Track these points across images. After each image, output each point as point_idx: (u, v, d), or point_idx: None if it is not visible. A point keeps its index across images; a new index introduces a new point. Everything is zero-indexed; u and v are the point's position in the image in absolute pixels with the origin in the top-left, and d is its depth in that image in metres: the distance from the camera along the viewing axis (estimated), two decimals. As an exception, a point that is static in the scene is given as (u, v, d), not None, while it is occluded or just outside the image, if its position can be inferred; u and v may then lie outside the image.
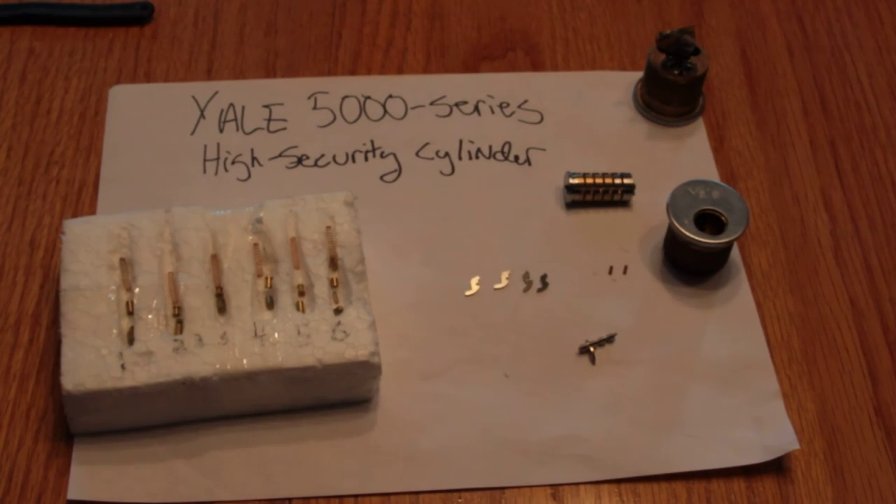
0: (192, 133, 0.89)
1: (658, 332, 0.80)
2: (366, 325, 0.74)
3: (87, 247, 0.76)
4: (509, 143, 0.89)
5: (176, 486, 0.72)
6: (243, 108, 0.90)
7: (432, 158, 0.88)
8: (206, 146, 0.88)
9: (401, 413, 0.76)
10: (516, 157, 0.89)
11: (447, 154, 0.89)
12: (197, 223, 0.77)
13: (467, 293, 0.81)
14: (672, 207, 0.81)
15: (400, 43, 0.95)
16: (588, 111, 0.92)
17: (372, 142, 0.89)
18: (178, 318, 0.74)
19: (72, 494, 0.72)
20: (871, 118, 0.93)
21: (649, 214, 0.86)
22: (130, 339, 0.73)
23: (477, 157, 0.89)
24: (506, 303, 0.81)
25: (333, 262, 0.77)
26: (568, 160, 0.88)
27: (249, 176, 0.87)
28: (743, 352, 0.80)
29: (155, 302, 0.74)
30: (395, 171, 0.88)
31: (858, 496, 0.74)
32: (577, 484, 0.74)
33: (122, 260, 0.76)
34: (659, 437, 0.76)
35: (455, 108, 0.91)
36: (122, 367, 0.71)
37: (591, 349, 0.79)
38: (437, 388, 0.77)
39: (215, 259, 0.76)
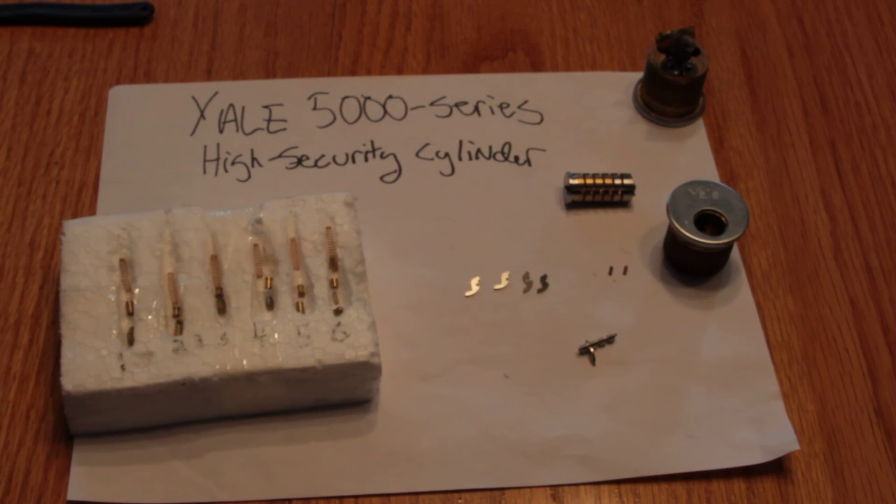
0: (192, 133, 0.89)
1: (658, 333, 0.80)
2: (366, 326, 0.74)
3: (87, 247, 0.76)
4: (509, 144, 0.89)
5: (176, 487, 0.72)
6: (243, 108, 0.90)
7: (432, 159, 0.88)
8: (205, 147, 0.88)
9: (401, 414, 0.76)
10: (516, 158, 0.89)
11: (447, 154, 0.89)
12: (197, 224, 0.77)
13: (467, 294, 0.81)
14: (672, 208, 0.81)
15: (400, 43, 0.95)
16: (588, 112, 0.92)
17: (372, 142, 0.89)
18: (178, 319, 0.74)
19: (72, 495, 0.72)
20: (871, 118, 0.93)
21: (649, 215, 0.86)
22: (130, 340, 0.73)
23: (477, 158, 0.89)
24: (506, 303, 0.81)
25: (333, 263, 0.77)
26: (568, 160, 0.88)
27: (249, 176, 0.87)
28: (743, 352, 0.80)
29: (155, 303, 0.74)
30: (395, 171, 0.88)
31: (858, 497, 0.74)
32: (577, 484, 0.74)
33: (122, 261, 0.76)
34: (659, 438, 0.76)
35: (455, 109, 0.91)
36: (122, 367, 0.71)
37: (591, 350, 0.79)
38: (438, 388, 0.77)
39: (215, 260, 0.76)
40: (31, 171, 0.86)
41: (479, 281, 0.82)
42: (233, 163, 0.87)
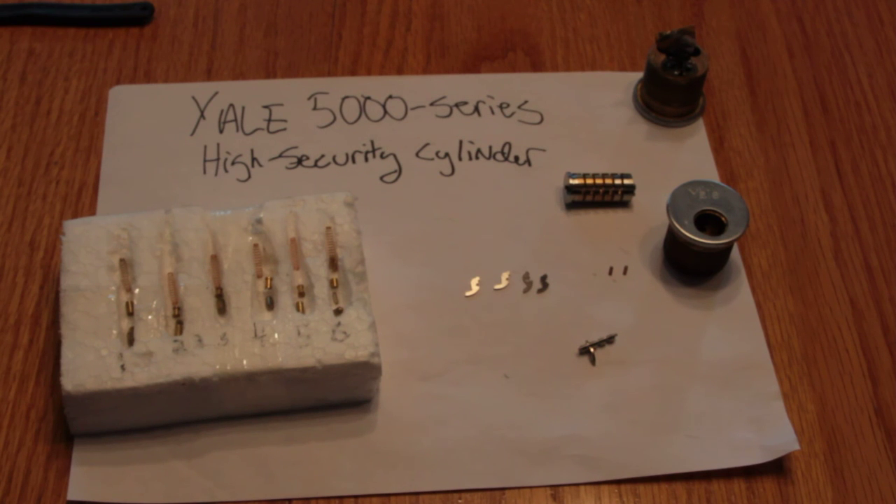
0: (192, 133, 0.89)
1: (658, 333, 0.80)
2: (366, 326, 0.74)
3: (87, 247, 0.76)
4: (509, 144, 0.89)
5: (176, 487, 0.72)
6: (243, 108, 0.90)
7: (432, 159, 0.88)
8: (206, 147, 0.88)
9: (401, 414, 0.76)
10: (516, 158, 0.89)
11: (447, 154, 0.89)
12: (197, 224, 0.77)
13: (467, 294, 0.81)
14: (672, 208, 0.81)
15: (400, 43, 0.95)
16: (588, 112, 0.92)
17: (372, 142, 0.89)
18: (178, 319, 0.74)
19: (72, 495, 0.72)
20: (871, 118, 0.93)
21: (649, 215, 0.86)
22: (130, 340, 0.73)
23: (477, 158, 0.89)
24: (506, 303, 0.81)
25: (333, 263, 0.77)
26: (568, 160, 0.88)
27: (249, 176, 0.87)
28: (743, 352, 0.80)
29: (155, 303, 0.74)
30: (395, 171, 0.88)
31: (859, 497, 0.74)
32: (577, 484, 0.74)
33: (122, 261, 0.76)
34: (659, 438, 0.76)
35: (455, 109, 0.91)
36: (122, 367, 0.71)
37: (591, 350, 0.79)
38: (438, 388, 0.77)
39: (215, 260, 0.76)
40: (31, 171, 0.86)
41: (479, 281, 0.82)
42: (233, 163, 0.87)
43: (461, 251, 0.83)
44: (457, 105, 0.92)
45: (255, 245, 0.77)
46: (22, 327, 0.79)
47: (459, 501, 0.73)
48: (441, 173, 0.88)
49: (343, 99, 0.91)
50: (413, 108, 0.91)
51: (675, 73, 0.89)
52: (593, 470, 0.74)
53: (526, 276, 0.82)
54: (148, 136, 0.88)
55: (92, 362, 0.71)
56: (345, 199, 0.79)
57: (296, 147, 0.88)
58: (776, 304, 0.82)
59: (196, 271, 0.75)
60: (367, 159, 0.88)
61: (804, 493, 0.74)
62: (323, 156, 0.88)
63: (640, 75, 0.93)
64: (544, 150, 0.89)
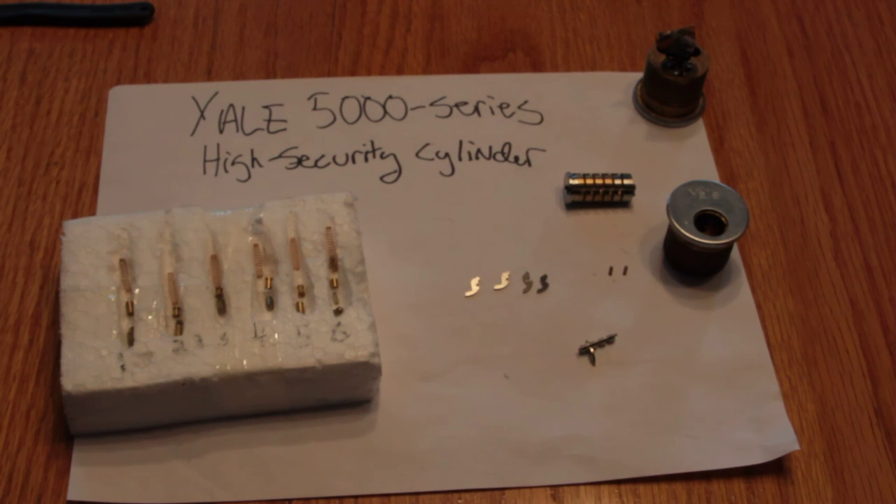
0: (192, 134, 0.89)
1: (658, 333, 0.80)
2: (366, 326, 0.74)
3: (87, 248, 0.76)
4: (509, 144, 0.89)
5: (176, 487, 0.72)
6: (243, 108, 0.90)
7: (432, 159, 0.88)
8: (206, 147, 0.88)
9: (401, 414, 0.76)
10: (516, 158, 0.89)
11: (447, 155, 0.89)
12: (197, 224, 0.77)
13: (467, 294, 0.81)
14: (672, 208, 0.81)
15: (400, 43, 0.95)
16: (588, 112, 0.92)
17: (372, 142, 0.89)
18: (178, 319, 0.74)
19: (72, 495, 0.72)
20: (871, 119, 0.93)
21: (649, 215, 0.86)
22: (130, 340, 0.73)
23: (477, 158, 0.89)
24: (506, 303, 0.81)
25: (333, 263, 0.77)
26: (568, 161, 0.88)
27: (249, 177, 0.87)
28: (743, 352, 0.80)
29: (155, 303, 0.74)
30: (395, 171, 0.88)
31: (858, 497, 0.74)
32: (577, 484, 0.74)
33: (122, 261, 0.76)
34: (659, 438, 0.76)
35: (455, 109, 0.91)
36: (122, 367, 0.71)
37: (591, 350, 0.79)
38: (438, 388, 0.77)
39: (215, 260, 0.76)
40: (31, 171, 0.86)
41: (479, 281, 0.82)
42: (233, 163, 0.87)
43: (461, 251, 0.83)
44: (457, 105, 0.92)
45: (255, 245, 0.77)
46: (22, 327, 0.79)
47: (459, 501, 0.74)
48: (441, 173, 0.88)
49: (343, 99, 0.91)
50: (413, 109, 0.91)
51: (675, 73, 0.89)
52: (593, 470, 0.74)
53: (526, 276, 0.82)
54: (148, 136, 0.88)
55: (92, 362, 0.71)
56: (345, 199, 0.79)
57: (296, 147, 0.88)
58: (776, 304, 0.82)
59: (196, 271, 0.75)
60: (367, 159, 0.88)
61: (804, 493, 0.74)
62: (323, 156, 0.88)
63: (639, 75, 0.93)
64: (544, 151, 0.89)
